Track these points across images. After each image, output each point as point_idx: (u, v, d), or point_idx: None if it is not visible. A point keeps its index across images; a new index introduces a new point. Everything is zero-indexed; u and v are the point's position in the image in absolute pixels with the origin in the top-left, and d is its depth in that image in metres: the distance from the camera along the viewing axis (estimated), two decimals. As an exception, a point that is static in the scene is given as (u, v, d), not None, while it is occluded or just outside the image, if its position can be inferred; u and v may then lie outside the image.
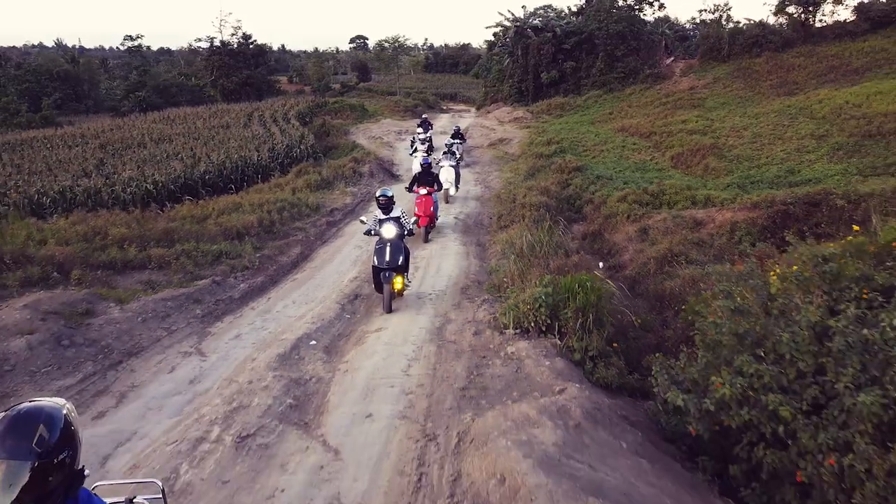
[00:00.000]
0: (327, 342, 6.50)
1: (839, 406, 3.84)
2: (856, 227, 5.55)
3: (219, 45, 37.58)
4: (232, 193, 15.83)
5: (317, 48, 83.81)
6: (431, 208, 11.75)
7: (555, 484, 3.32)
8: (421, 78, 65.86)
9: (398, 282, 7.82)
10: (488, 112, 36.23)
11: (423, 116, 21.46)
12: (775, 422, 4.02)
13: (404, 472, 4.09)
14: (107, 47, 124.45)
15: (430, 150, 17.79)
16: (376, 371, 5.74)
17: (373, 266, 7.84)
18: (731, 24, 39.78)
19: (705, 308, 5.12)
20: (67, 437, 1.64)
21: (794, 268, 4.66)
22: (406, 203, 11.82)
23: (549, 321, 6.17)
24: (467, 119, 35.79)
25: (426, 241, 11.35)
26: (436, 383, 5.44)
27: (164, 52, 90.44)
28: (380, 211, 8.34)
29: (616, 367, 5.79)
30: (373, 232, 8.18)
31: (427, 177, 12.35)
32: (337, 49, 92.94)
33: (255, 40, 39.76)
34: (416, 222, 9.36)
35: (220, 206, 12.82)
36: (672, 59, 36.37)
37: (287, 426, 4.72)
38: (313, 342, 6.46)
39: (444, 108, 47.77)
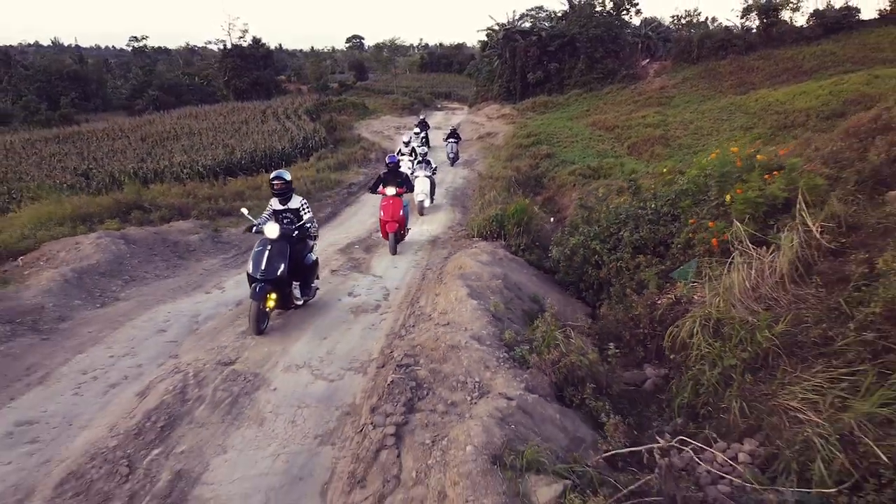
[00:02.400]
0: (365, 246, 11.11)
1: (622, 243, 8.45)
2: (665, 169, 10.20)
3: (231, 47, 42.29)
4: (264, 173, 20.41)
5: (313, 47, 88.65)
6: (401, 212, 10.69)
7: (483, 266, 7.93)
8: (417, 77, 70.67)
9: (271, 299, 6.65)
10: (479, 110, 40.95)
11: (421, 117, 25.53)
12: (595, 254, 8.62)
13: (415, 278, 8.77)
14: (103, 46, 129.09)
15: (425, 143, 20.87)
16: (398, 254, 10.36)
17: (247, 273, 6.69)
18: (713, 25, 44.98)
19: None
20: None
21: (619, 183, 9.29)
22: (362, 212, 14.58)
23: (499, 230, 10.77)
24: (460, 116, 40.60)
25: (394, 252, 10.52)
26: (430, 257, 10.11)
27: (162, 52, 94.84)
28: (275, 199, 7.16)
29: (536, 254, 10.37)
30: (254, 229, 6.93)
31: (394, 177, 11.15)
32: (333, 48, 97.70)
33: (265, 44, 44.66)
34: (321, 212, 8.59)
35: (266, 179, 17.37)
36: (648, 60, 41.14)
37: (352, 271, 9.35)
38: (356, 245, 11.09)
39: (439, 106, 52.45)
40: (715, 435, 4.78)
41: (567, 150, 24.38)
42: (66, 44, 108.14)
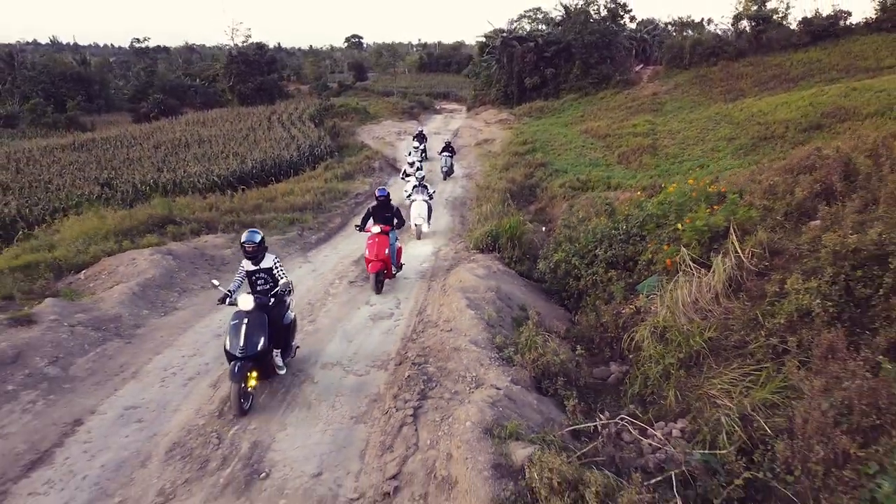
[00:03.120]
0: (375, 258, 12.66)
1: (597, 259, 10.03)
2: (639, 193, 11.78)
3: (236, 53, 43.93)
4: (274, 184, 21.96)
5: (311, 46, 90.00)
6: (386, 251, 10.46)
7: (479, 280, 9.52)
8: (416, 78, 72.21)
9: (253, 378, 6.40)
10: (477, 114, 42.51)
11: (420, 129, 26.35)
12: (575, 268, 10.20)
13: (422, 289, 10.38)
14: (101, 44, 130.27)
15: (423, 158, 21.77)
16: (406, 266, 11.95)
17: (224, 349, 6.44)
18: (709, 26, 46.56)
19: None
20: None
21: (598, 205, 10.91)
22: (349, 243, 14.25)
23: (493, 244, 12.35)
24: (458, 120, 42.15)
25: (378, 292, 10.30)
26: (434, 268, 11.69)
27: (161, 51, 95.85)
28: (246, 261, 6.92)
29: (526, 264, 11.95)
30: (227, 301, 6.58)
31: (384, 211, 10.96)
32: (332, 47, 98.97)
33: (268, 49, 46.09)
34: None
35: (280, 191, 18.93)
36: (641, 66, 42.70)
37: (367, 282, 10.91)
38: (368, 257, 12.65)
39: (437, 108, 53.94)
40: (652, 417, 6.39)
41: (560, 158, 25.92)
42: (64, 42, 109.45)
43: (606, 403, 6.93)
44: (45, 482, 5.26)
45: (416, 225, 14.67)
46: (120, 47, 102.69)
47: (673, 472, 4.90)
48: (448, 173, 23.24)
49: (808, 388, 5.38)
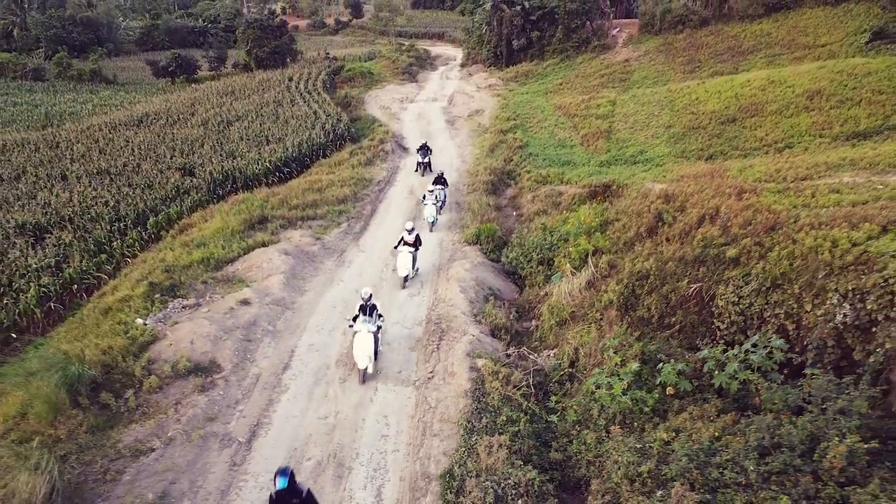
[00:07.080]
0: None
1: (533, 258, 18.59)
2: (566, 213, 20.33)
3: (252, 20, 50.37)
4: (310, 167, 30.07)
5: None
6: None
7: (467, 272, 18.18)
8: (410, 16, 77.72)
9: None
10: (470, 74, 49.76)
11: (423, 142, 30.30)
12: (521, 263, 18.78)
13: (431, 269, 19.01)
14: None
15: (427, 169, 28.06)
16: (422, 261, 20.52)
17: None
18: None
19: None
20: None
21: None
22: None
23: (476, 240, 20.90)
24: (453, 80, 49.42)
25: None
26: (440, 258, 20.30)
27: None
28: None
29: (496, 253, 20.52)
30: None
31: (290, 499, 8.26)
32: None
33: (280, 17, 52.53)
34: None
35: (324, 182, 27.03)
36: (618, 29, 49.56)
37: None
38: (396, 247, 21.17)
39: (433, 54, 60.63)
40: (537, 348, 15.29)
41: (536, 137, 33.79)
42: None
43: (524, 342, 15.74)
44: (292, 376, 14.01)
45: (361, 366, 13.69)
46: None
47: (533, 368, 13.77)
48: (441, 206, 24.07)
49: (595, 336, 14.15)
